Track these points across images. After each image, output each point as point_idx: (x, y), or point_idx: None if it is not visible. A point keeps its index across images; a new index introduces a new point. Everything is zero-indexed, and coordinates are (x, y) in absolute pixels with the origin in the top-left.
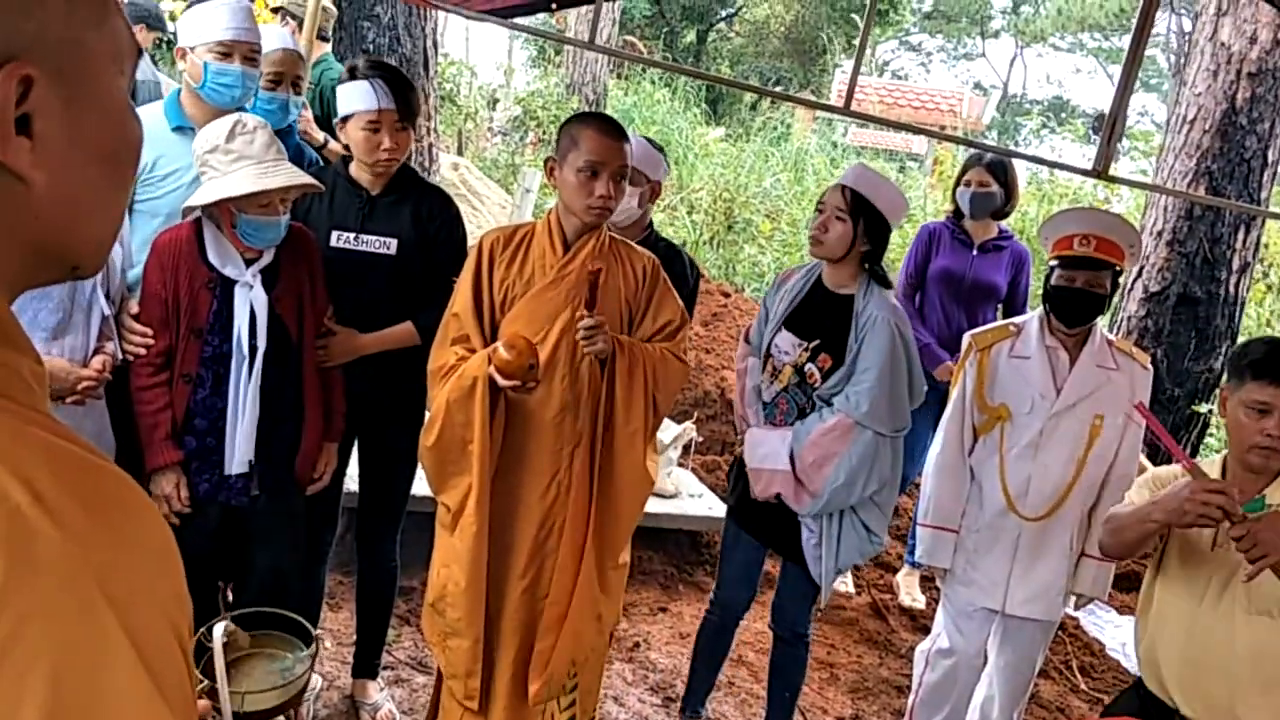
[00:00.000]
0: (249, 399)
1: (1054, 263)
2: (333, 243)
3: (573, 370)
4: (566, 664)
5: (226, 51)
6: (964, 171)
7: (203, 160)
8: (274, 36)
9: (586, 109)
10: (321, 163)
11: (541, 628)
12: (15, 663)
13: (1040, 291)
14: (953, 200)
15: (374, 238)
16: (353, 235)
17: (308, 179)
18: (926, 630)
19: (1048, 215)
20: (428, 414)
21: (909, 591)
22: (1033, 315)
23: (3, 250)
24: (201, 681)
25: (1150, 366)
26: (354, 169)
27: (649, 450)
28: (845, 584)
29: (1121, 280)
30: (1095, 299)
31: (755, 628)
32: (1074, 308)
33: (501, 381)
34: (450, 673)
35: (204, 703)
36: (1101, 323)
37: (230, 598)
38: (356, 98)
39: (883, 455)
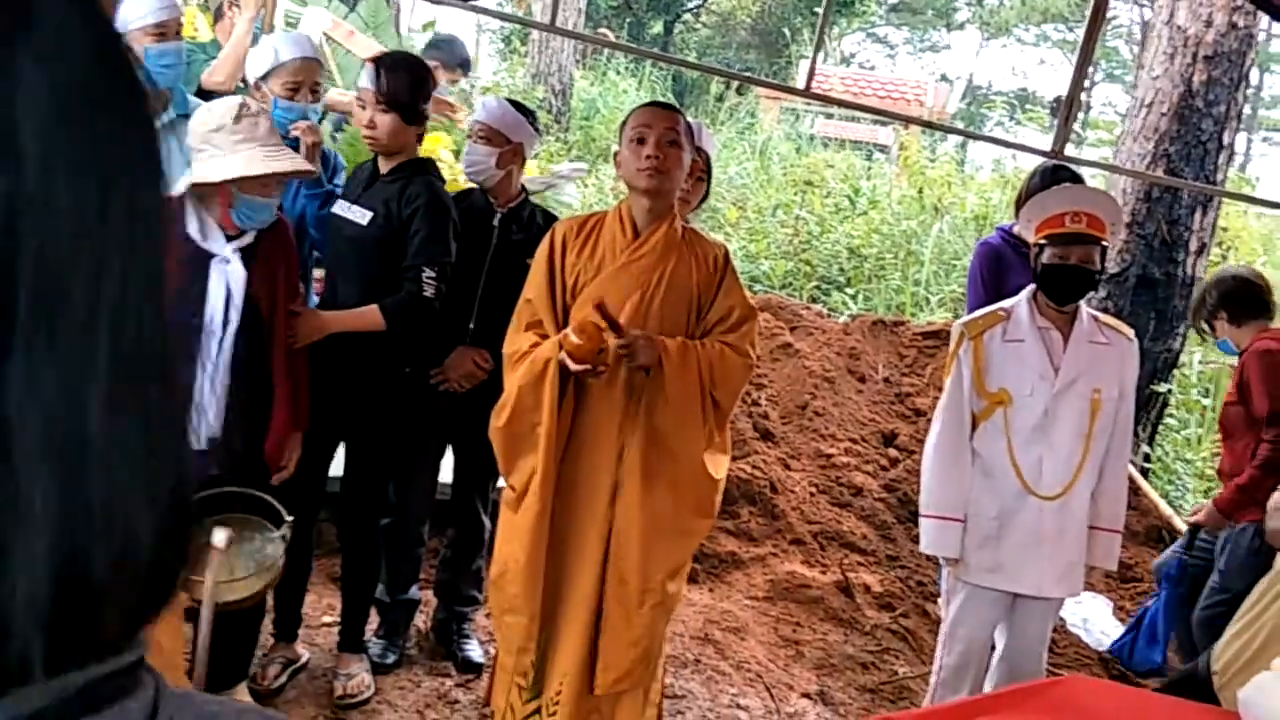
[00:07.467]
0: (220, 372)
1: (1043, 241)
2: (334, 209)
3: None
4: (636, 666)
5: (162, 32)
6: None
7: (204, 138)
8: (291, 44)
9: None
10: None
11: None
12: None
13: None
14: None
15: (359, 208)
16: (348, 204)
17: (307, 165)
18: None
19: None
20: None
21: None
22: (1021, 298)
23: None
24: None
25: (1134, 338)
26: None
27: (715, 449)
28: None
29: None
30: (1088, 275)
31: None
32: (1069, 285)
33: (573, 366)
34: (504, 648)
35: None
36: None
37: None
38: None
39: None
